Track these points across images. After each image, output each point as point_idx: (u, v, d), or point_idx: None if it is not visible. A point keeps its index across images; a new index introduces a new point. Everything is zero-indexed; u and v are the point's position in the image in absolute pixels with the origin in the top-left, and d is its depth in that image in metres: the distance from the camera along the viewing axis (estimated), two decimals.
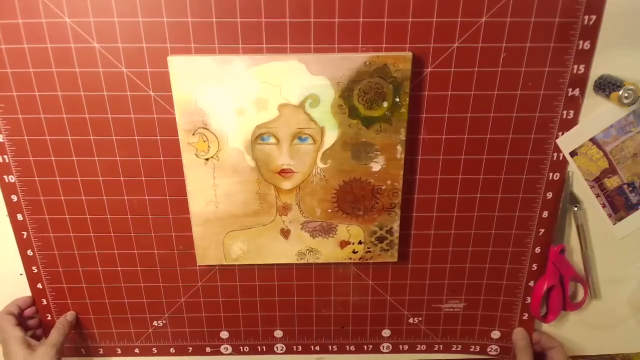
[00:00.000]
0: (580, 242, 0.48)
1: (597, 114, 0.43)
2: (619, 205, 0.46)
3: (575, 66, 0.41)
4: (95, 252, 0.49)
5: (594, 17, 0.39)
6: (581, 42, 0.40)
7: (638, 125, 0.43)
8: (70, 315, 0.51)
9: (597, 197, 0.46)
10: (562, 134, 0.44)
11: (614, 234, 0.48)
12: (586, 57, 0.41)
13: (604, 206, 0.46)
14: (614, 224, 0.47)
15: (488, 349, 0.55)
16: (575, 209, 0.46)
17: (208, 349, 0.55)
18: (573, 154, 0.44)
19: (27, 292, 0.51)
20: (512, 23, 0.39)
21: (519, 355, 0.51)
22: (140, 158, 0.44)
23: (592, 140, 0.44)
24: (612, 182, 0.45)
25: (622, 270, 0.50)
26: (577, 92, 0.42)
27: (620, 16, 0.39)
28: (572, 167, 0.45)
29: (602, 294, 0.51)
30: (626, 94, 0.38)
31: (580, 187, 0.46)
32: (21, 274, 0.50)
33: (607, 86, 0.40)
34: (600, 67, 0.41)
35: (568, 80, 0.42)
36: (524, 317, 0.52)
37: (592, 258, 0.49)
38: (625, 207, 0.46)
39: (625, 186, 0.45)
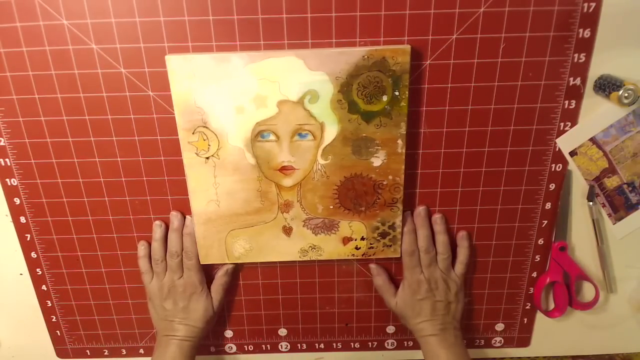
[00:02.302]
0: (596, 237, 0.47)
1: (597, 114, 0.43)
2: (619, 205, 0.46)
3: (576, 55, 0.41)
4: (99, 253, 0.49)
5: (593, 5, 0.39)
6: (581, 30, 0.40)
7: (638, 125, 0.43)
8: (228, 268, 0.49)
9: (597, 196, 0.46)
10: (564, 124, 0.43)
11: (613, 234, 0.48)
12: (587, 45, 0.40)
13: (603, 206, 0.46)
14: (613, 224, 0.47)
15: (492, 342, 0.54)
16: (591, 204, 0.46)
17: (213, 349, 0.55)
18: (573, 153, 0.44)
19: (27, 292, 0.51)
20: (511, 13, 0.39)
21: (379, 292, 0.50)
22: (140, 158, 0.45)
23: (592, 140, 0.44)
24: (611, 182, 0.45)
25: (622, 270, 0.50)
26: (578, 81, 0.42)
27: (619, 16, 0.39)
28: (572, 166, 0.45)
29: (603, 293, 0.51)
30: (626, 94, 0.38)
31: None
32: (21, 274, 0.50)
33: (607, 86, 0.40)
34: (600, 67, 0.41)
35: (569, 70, 0.41)
36: (527, 307, 0.52)
37: (608, 253, 0.49)
38: (625, 206, 0.46)
39: (625, 186, 0.45)
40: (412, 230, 0.47)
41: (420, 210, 0.46)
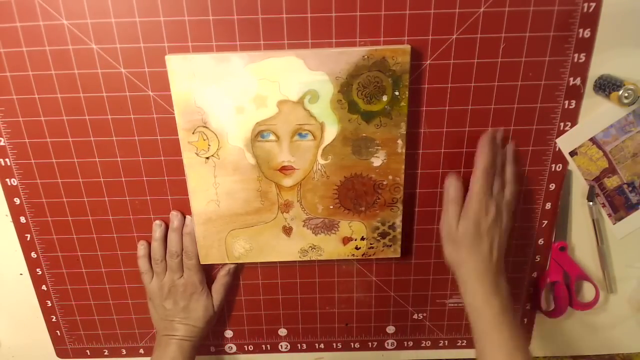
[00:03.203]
0: (597, 237, 0.47)
1: (597, 114, 0.43)
2: (619, 205, 0.46)
3: (576, 55, 0.41)
4: (99, 253, 0.49)
5: (593, 5, 0.39)
6: (581, 30, 0.40)
7: (638, 125, 0.43)
8: (230, 268, 0.48)
9: (597, 196, 0.46)
10: (564, 124, 0.43)
11: (614, 234, 0.48)
12: (587, 45, 0.40)
13: (603, 206, 0.46)
14: (613, 224, 0.47)
15: None
16: (591, 204, 0.46)
17: (213, 349, 0.55)
18: (573, 153, 0.44)
19: (27, 292, 0.51)
20: (511, 13, 0.39)
21: (446, 205, 0.43)
22: (140, 158, 0.45)
23: (592, 140, 0.44)
24: (611, 182, 0.45)
25: (622, 270, 0.50)
26: (578, 81, 0.42)
27: (619, 16, 0.39)
28: (572, 166, 0.45)
29: (603, 293, 0.51)
30: (626, 94, 0.38)
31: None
32: (21, 274, 0.50)
33: (607, 86, 0.40)
34: (600, 67, 0.41)
35: (569, 70, 0.41)
36: (527, 307, 0.52)
37: (608, 253, 0.49)
38: (625, 206, 0.46)
39: (625, 186, 0.45)
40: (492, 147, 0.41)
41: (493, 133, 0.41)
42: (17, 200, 0.47)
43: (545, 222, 0.48)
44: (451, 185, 0.43)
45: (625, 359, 0.55)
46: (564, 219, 0.47)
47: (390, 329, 0.54)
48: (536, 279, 0.51)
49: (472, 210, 0.41)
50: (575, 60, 0.41)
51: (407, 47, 0.39)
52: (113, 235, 0.48)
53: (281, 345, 0.55)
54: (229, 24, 0.39)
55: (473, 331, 0.40)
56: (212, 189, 0.44)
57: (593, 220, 0.47)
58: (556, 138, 0.44)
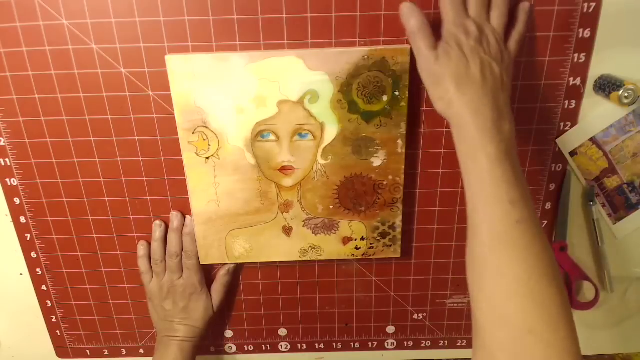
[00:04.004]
0: (597, 237, 0.47)
1: (597, 114, 0.43)
2: (619, 205, 0.46)
3: (576, 55, 0.41)
4: (99, 253, 0.49)
5: (593, 5, 0.39)
6: (581, 30, 0.40)
7: (638, 125, 0.43)
8: (230, 268, 0.48)
9: (597, 196, 0.46)
10: (564, 124, 0.43)
11: (613, 234, 0.48)
12: (587, 45, 0.40)
13: (603, 206, 0.46)
14: (613, 224, 0.47)
15: None
16: (591, 204, 0.46)
17: (213, 349, 0.55)
18: (573, 153, 0.44)
19: (27, 292, 0.51)
20: (511, 13, 0.39)
21: (412, 40, 0.35)
22: (140, 158, 0.45)
23: (592, 140, 0.44)
24: (611, 182, 0.45)
25: (622, 270, 0.50)
26: (578, 81, 0.42)
27: (619, 16, 0.39)
28: (572, 166, 0.45)
29: (603, 293, 0.51)
30: (626, 94, 0.38)
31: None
32: (21, 274, 0.50)
33: (607, 86, 0.40)
34: (600, 67, 0.41)
35: (569, 70, 0.41)
36: None
37: (608, 253, 0.49)
38: (625, 207, 0.46)
39: (625, 186, 0.45)
40: None
41: None
42: (17, 200, 0.47)
43: (545, 222, 0.48)
44: (411, 14, 0.35)
45: (625, 359, 0.55)
46: (564, 219, 0.47)
47: (390, 329, 0.54)
48: None
49: (448, 34, 0.34)
50: (575, 60, 0.41)
51: (407, 47, 0.39)
52: (113, 235, 0.48)
53: (281, 345, 0.55)
54: (229, 24, 0.39)
55: (465, 186, 0.32)
56: (212, 189, 0.44)
57: (593, 220, 0.47)
58: (556, 138, 0.44)
